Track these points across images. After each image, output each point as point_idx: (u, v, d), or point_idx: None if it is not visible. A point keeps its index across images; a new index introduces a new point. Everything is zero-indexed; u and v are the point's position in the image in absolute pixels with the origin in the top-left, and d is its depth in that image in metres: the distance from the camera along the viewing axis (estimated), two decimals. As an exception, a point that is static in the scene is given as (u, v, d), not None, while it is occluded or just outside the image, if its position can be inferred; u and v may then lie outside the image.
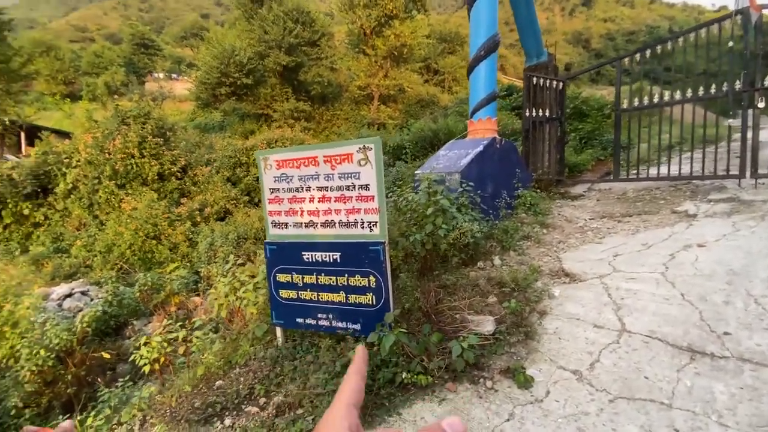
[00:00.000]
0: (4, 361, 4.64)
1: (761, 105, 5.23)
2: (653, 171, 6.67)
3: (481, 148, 5.08)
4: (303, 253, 2.74)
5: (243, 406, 2.48)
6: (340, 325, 2.69)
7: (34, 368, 4.27)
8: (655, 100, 6.30)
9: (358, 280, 2.59)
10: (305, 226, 2.77)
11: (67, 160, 11.31)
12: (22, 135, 16.86)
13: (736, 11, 5.60)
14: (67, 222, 11.05)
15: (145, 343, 3.21)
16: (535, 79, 6.88)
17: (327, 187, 2.64)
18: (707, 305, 2.62)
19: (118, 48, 42.08)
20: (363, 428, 0.37)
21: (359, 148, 2.48)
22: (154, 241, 9.72)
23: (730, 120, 5.74)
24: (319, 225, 2.71)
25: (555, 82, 7.06)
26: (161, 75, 38.87)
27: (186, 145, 13.02)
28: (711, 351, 2.18)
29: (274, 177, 2.81)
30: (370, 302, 2.57)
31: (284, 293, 2.87)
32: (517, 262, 3.90)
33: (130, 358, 3.30)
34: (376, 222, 2.53)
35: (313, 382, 2.50)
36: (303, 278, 2.78)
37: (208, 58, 23.37)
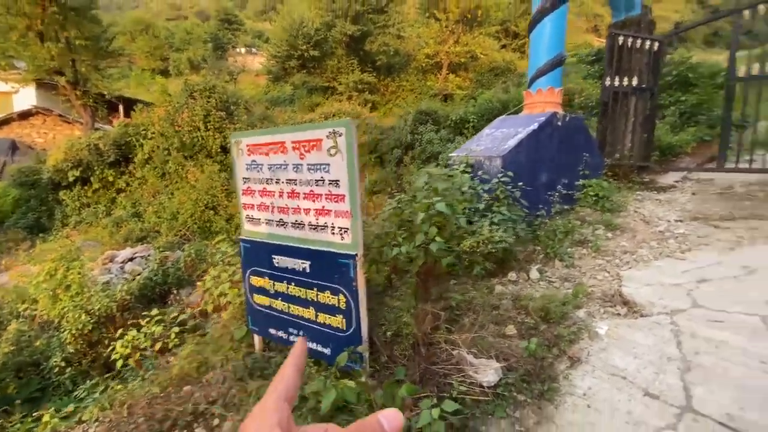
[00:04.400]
0: (57, 321, 5.11)
1: None
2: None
3: (534, 126, 4.14)
4: (273, 256, 2.32)
5: (195, 426, 2.21)
6: (309, 345, 2.26)
7: (75, 331, 4.61)
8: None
9: (327, 298, 2.11)
10: (277, 225, 2.33)
11: (144, 131, 12.30)
12: (120, 108, 18.93)
13: None
14: (144, 189, 12.15)
15: (121, 336, 3.14)
16: (621, 38, 5.52)
17: (296, 180, 2.14)
18: (844, 388, 1.68)
19: (206, 24, 44.91)
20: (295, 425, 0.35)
21: (329, 133, 1.93)
22: (211, 212, 10.25)
23: None
24: (289, 225, 2.25)
25: (648, 43, 5.59)
26: (243, 50, 40.74)
27: (248, 119, 13.40)
28: None
29: (246, 164, 2.39)
30: (341, 326, 2.09)
31: (258, 298, 2.51)
32: (561, 277, 3.09)
33: (108, 350, 3.29)
34: (348, 229, 1.99)
35: (271, 410, 2.13)
36: (274, 285, 2.37)
37: (279, 30, 23.82)
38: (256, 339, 2.67)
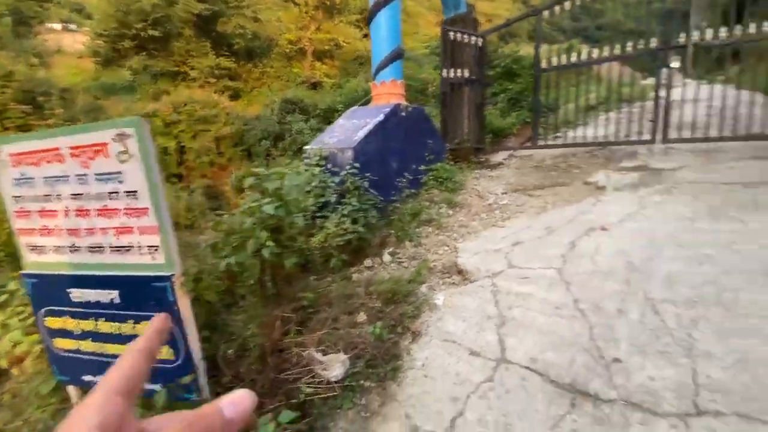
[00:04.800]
0: None
1: (675, 64, 4.95)
2: (571, 135, 6.40)
3: (381, 117, 4.32)
4: (70, 290, 1.89)
5: None
6: (135, 384, 1.94)
7: None
8: (574, 59, 5.85)
9: (147, 327, 1.82)
10: (70, 252, 1.90)
11: None
12: None
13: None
14: None
15: None
16: (452, 34, 6.13)
17: (83, 194, 1.76)
18: (600, 316, 2.20)
19: (-4, -8, 34.38)
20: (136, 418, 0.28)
21: (115, 135, 1.61)
22: (22, 233, 8.12)
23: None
24: (84, 250, 1.86)
25: (473, 39, 6.36)
26: (58, 26, 32.57)
27: (68, 112, 10.91)
28: (595, 390, 1.74)
29: (14, 179, 1.87)
30: (169, 357, 1.83)
31: (60, 343, 2.04)
32: (410, 257, 3.33)
33: None
34: (158, 246, 1.73)
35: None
36: (79, 324, 1.95)
37: (104, 4, 19.84)
38: (71, 390, 2.18)
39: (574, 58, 5.83)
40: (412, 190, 4.41)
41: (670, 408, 1.57)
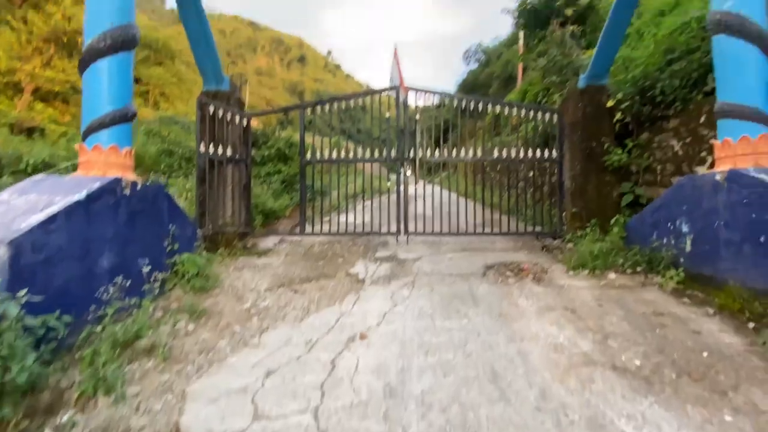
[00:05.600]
0: None
1: (408, 173, 5.98)
2: (336, 221, 6.68)
3: (82, 196, 3.00)
4: None
5: None
6: None
7: None
8: (335, 155, 6.28)
9: None
10: None
11: None
12: None
13: (391, 87, 6.34)
14: None
15: None
16: (212, 108, 5.50)
17: None
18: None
19: None
20: None
21: None
22: None
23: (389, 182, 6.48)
24: None
25: (238, 117, 5.94)
26: None
27: None
28: None
29: None
30: None
31: None
32: (98, 428, 2.07)
33: None
34: None
35: None
36: None
37: None
38: None
39: (334, 155, 6.25)
40: (134, 299, 3.14)
41: None
